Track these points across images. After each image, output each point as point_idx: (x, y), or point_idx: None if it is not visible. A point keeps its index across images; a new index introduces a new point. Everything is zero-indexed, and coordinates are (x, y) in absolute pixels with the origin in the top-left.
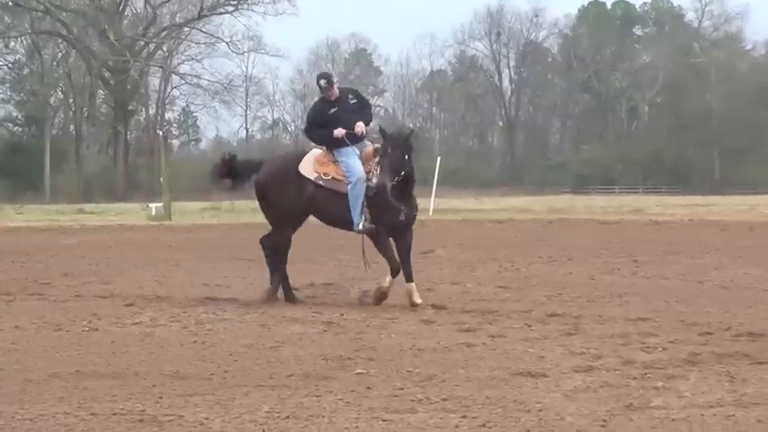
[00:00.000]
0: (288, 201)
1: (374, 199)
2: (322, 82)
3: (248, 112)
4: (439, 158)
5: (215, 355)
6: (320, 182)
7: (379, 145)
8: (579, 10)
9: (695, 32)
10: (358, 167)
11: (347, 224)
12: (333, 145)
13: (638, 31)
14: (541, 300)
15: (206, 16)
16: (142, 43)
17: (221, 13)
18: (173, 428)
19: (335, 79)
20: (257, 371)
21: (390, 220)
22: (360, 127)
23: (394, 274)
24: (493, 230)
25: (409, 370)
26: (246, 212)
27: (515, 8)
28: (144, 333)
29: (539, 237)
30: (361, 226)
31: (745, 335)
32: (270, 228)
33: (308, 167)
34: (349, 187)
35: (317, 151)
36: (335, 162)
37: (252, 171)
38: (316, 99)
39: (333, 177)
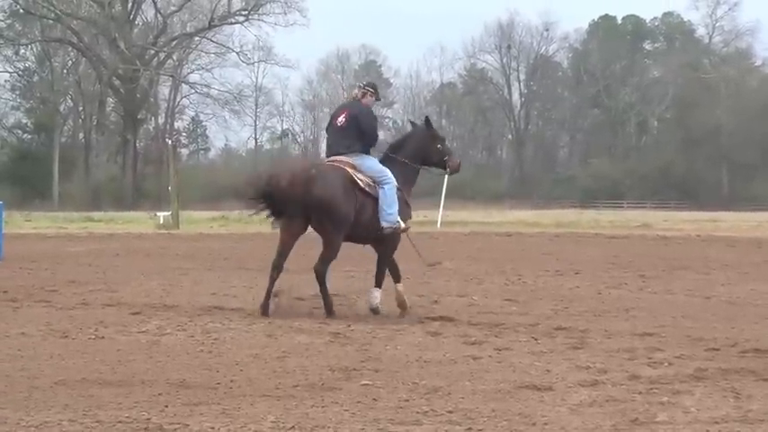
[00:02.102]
0: (349, 210)
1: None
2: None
3: (258, 123)
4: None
5: (221, 364)
6: (367, 188)
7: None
8: (589, 24)
9: (705, 48)
10: (386, 170)
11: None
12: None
13: (648, 45)
14: (548, 313)
15: (217, 26)
16: (152, 52)
17: (232, 23)
18: None
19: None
20: (263, 381)
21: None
22: None
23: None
24: (500, 243)
25: (415, 382)
26: (255, 222)
27: (526, 22)
28: (150, 341)
29: (546, 250)
30: (403, 224)
31: (752, 351)
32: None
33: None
34: (387, 187)
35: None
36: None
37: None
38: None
39: (368, 183)
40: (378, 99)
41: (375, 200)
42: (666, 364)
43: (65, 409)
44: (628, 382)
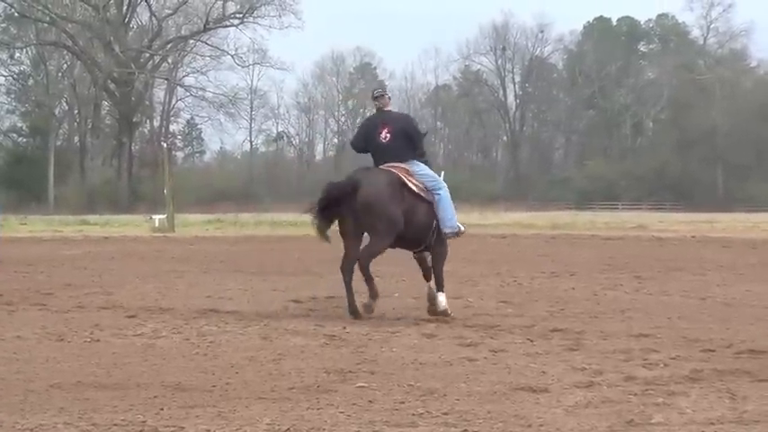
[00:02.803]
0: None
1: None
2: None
3: (253, 125)
4: (443, 173)
5: (216, 367)
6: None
7: None
8: (584, 26)
9: (700, 49)
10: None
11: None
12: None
13: (643, 47)
14: (543, 315)
15: (211, 29)
16: (147, 55)
17: (227, 26)
18: None
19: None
20: (259, 383)
21: None
22: None
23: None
24: (496, 245)
25: (410, 384)
26: (250, 225)
27: (521, 23)
28: (146, 344)
29: (541, 252)
30: (463, 228)
31: (747, 352)
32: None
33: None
34: (442, 192)
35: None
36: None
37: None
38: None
39: (421, 188)
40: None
41: (428, 204)
42: (662, 365)
43: (60, 412)
44: (623, 384)
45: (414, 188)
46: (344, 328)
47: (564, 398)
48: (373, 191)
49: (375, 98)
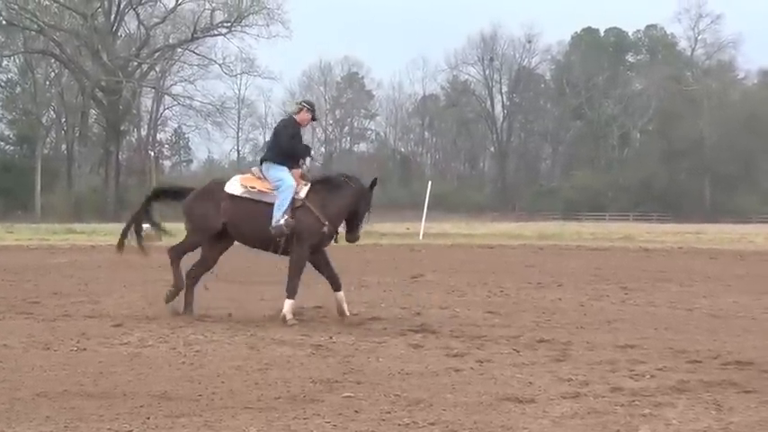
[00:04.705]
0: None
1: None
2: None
3: (240, 134)
4: (430, 183)
5: (203, 376)
6: (246, 195)
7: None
8: (572, 36)
9: (688, 60)
10: (289, 178)
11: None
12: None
13: (630, 58)
14: (530, 325)
15: (199, 38)
16: (135, 64)
17: (215, 35)
18: None
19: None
20: (245, 393)
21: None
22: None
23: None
24: (483, 255)
25: (397, 394)
26: None
27: (508, 34)
28: (132, 353)
29: (528, 262)
30: (282, 221)
31: (734, 363)
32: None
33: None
34: (278, 192)
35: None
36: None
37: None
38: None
39: (259, 190)
40: (314, 118)
41: (266, 205)
42: (648, 376)
43: (46, 421)
44: (610, 395)
45: (235, 189)
46: (331, 338)
47: (550, 408)
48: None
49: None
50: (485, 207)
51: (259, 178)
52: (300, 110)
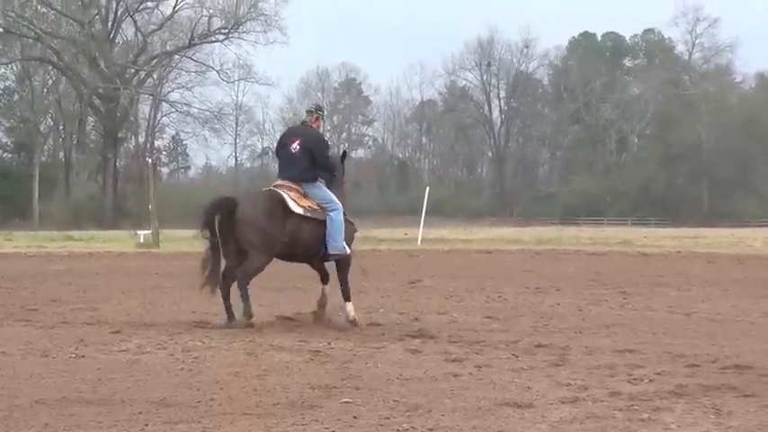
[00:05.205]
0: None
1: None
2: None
3: (238, 141)
4: (428, 188)
5: (201, 382)
6: (307, 214)
7: None
8: (569, 41)
9: (685, 64)
10: (335, 199)
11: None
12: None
13: (628, 62)
14: (528, 330)
15: (196, 44)
16: (132, 71)
17: (212, 42)
18: None
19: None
20: (243, 399)
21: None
22: None
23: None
24: (481, 261)
25: (396, 399)
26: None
27: (506, 39)
28: (130, 360)
29: (527, 267)
30: (344, 244)
31: (732, 367)
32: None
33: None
34: (333, 215)
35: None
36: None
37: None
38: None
39: (313, 208)
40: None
41: (318, 222)
42: (647, 380)
43: (45, 428)
44: (608, 399)
45: (294, 206)
46: (329, 343)
47: (549, 413)
48: (250, 209)
49: (306, 112)
50: (483, 212)
51: (303, 195)
52: (317, 118)
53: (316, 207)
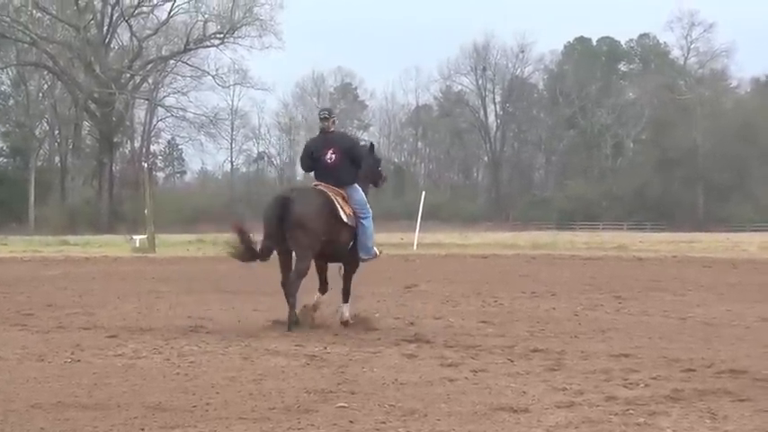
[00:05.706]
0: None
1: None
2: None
3: (234, 146)
4: (424, 193)
5: (197, 387)
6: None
7: None
8: (565, 46)
9: (681, 69)
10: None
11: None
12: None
13: (623, 67)
14: (524, 335)
15: (192, 49)
16: (128, 76)
17: (207, 47)
18: None
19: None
20: (239, 403)
21: None
22: None
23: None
24: (476, 265)
25: (391, 404)
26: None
27: (501, 44)
28: (126, 365)
29: (522, 272)
30: (375, 248)
31: (728, 372)
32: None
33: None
34: (365, 222)
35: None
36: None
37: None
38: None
39: (351, 215)
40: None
41: (352, 228)
42: (643, 385)
43: None
44: (604, 404)
45: (342, 214)
46: (325, 348)
47: (545, 418)
48: (306, 209)
49: (321, 119)
50: (478, 217)
51: (346, 199)
52: (333, 121)
53: (351, 214)
